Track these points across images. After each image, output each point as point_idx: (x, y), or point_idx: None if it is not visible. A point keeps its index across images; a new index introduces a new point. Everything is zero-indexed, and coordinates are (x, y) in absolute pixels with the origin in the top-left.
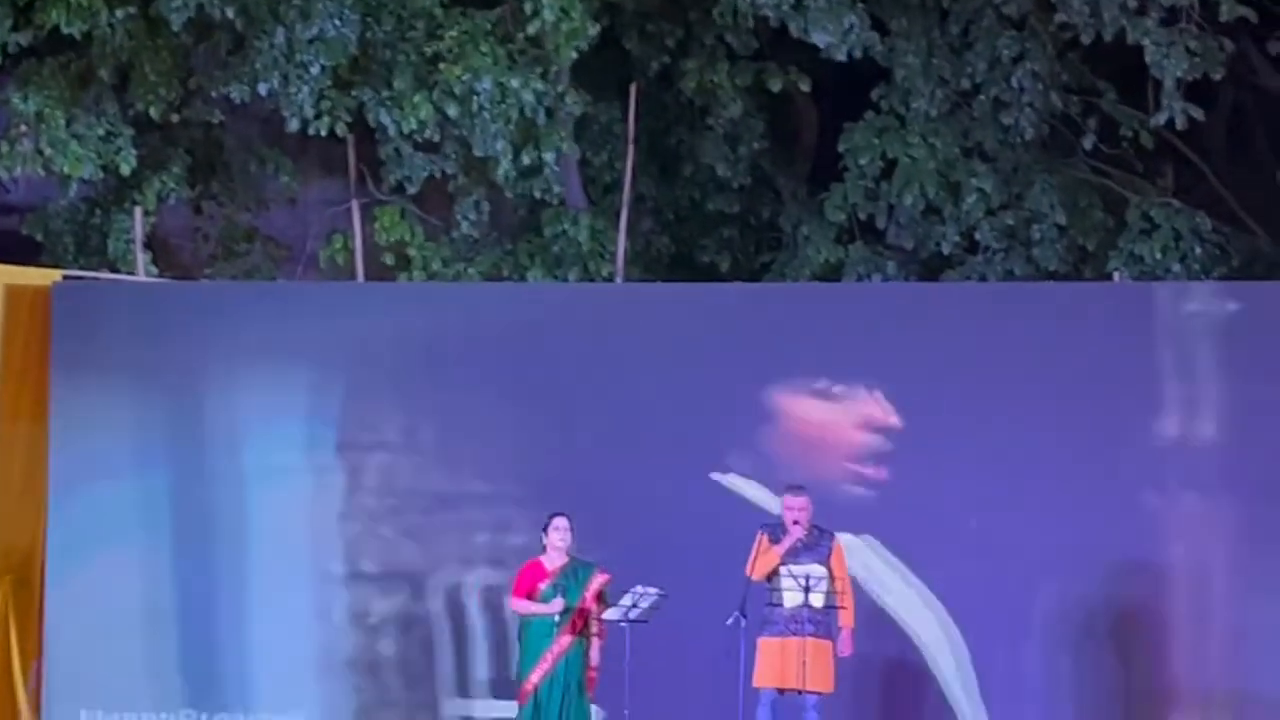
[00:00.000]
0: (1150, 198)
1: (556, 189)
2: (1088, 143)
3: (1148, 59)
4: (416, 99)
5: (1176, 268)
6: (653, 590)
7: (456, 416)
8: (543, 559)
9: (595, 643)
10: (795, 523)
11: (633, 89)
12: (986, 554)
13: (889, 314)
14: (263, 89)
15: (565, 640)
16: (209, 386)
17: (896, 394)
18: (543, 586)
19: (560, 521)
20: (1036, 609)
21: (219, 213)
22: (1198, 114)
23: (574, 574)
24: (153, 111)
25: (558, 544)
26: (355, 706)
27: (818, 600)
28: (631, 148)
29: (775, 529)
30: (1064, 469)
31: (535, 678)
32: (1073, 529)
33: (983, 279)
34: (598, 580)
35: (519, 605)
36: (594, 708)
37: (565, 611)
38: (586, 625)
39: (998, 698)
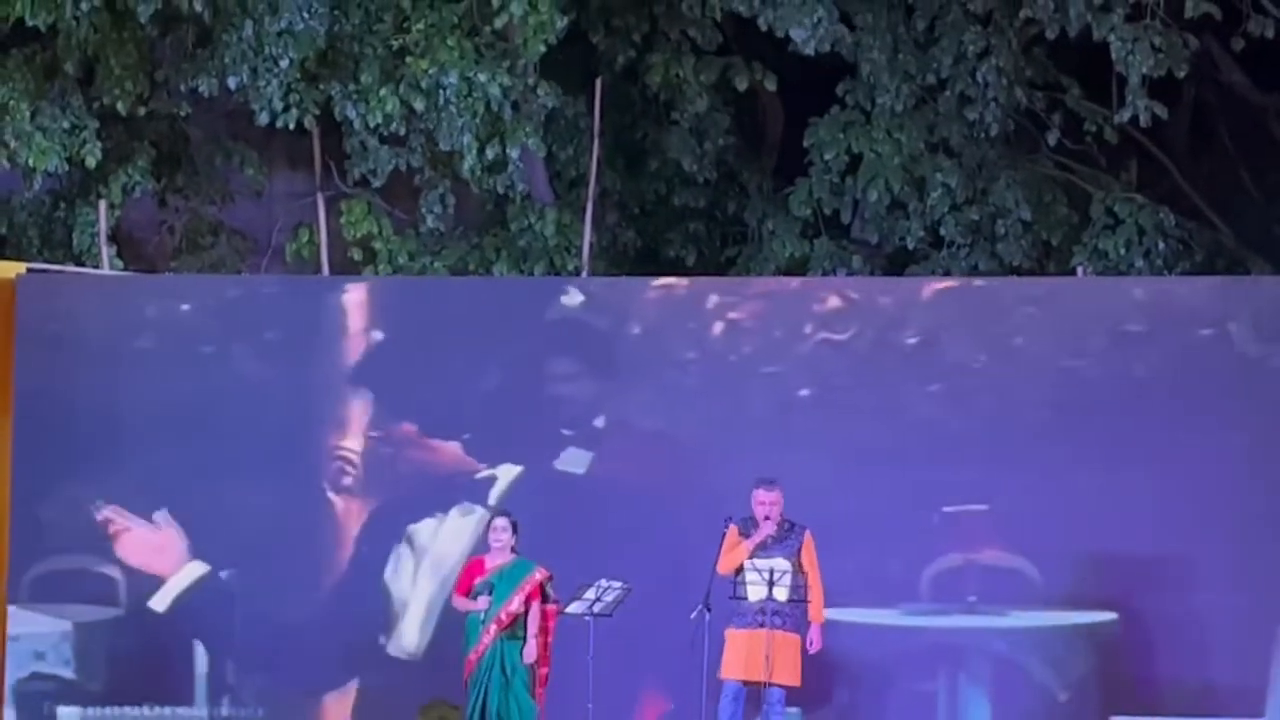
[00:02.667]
0: (1114, 193)
1: (520, 185)
2: (1052, 138)
3: (1113, 55)
4: (383, 92)
5: (1140, 263)
6: (617, 584)
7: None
8: (485, 557)
9: (532, 642)
10: (766, 518)
11: (598, 83)
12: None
13: None
14: (232, 82)
15: (489, 638)
16: (174, 379)
17: None
18: (477, 583)
19: (499, 521)
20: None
21: (184, 206)
22: (1161, 111)
23: (510, 573)
24: (120, 105)
25: (495, 543)
26: None
27: (781, 594)
28: (597, 142)
29: (746, 522)
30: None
31: (465, 674)
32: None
33: (947, 273)
34: (534, 579)
35: (455, 601)
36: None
37: (488, 611)
38: (514, 625)
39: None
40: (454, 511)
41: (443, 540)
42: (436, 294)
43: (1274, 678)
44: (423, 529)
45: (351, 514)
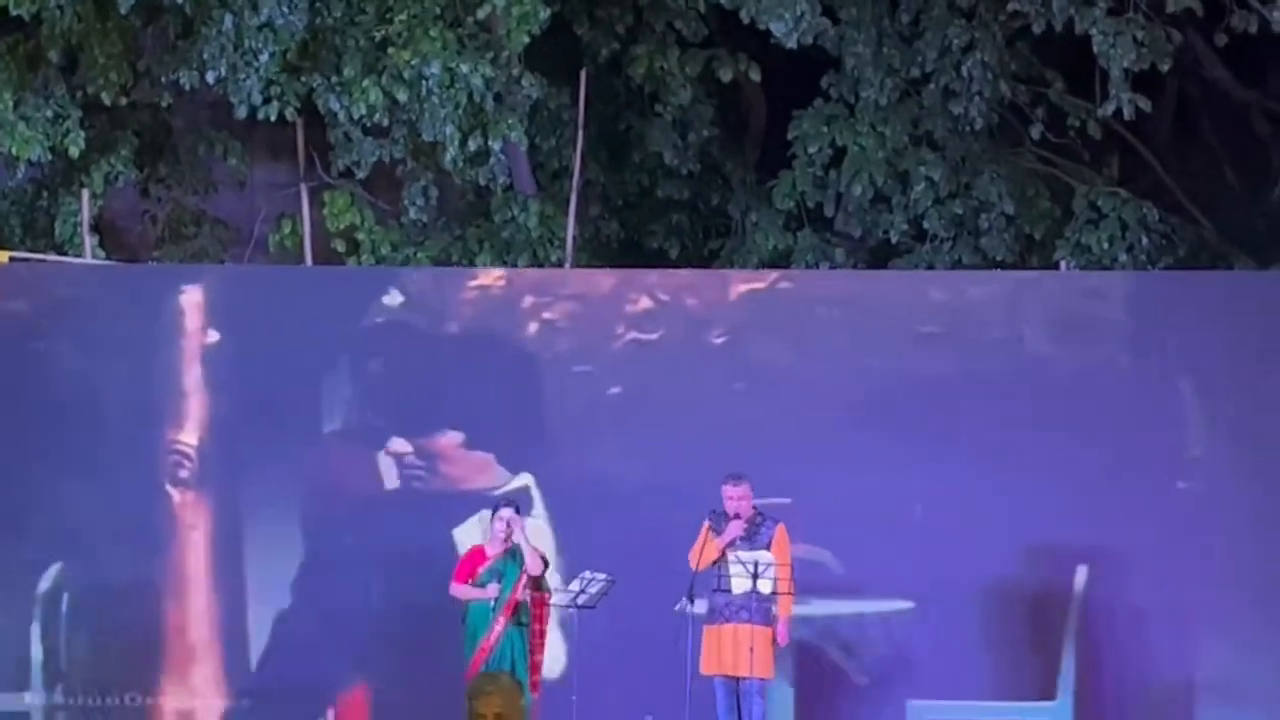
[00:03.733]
0: (1097, 187)
1: (502, 177)
2: (1035, 132)
3: (1095, 49)
4: (365, 83)
5: (1124, 257)
6: (601, 576)
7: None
8: (485, 545)
9: (536, 628)
10: (736, 515)
11: (582, 75)
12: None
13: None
14: (210, 77)
15: (500, 626)
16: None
17: None
18: (480, 571)
19: (505, 511)
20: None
21: (167, 196)
22: (1144, 105)
23: (510, 561)
24: (104, 95)
25: (499, 533)
26: None
27: (765, 586)
28: (581, 134)
29: (718, 517)
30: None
31: (476, 662)
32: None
33: (930, 267)
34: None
35: (456, 589)
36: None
37: (499, 598)
38: (520, 611)
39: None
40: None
41: None
42: (273, 285)
43: (1065, 662)
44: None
45: (187, 507)
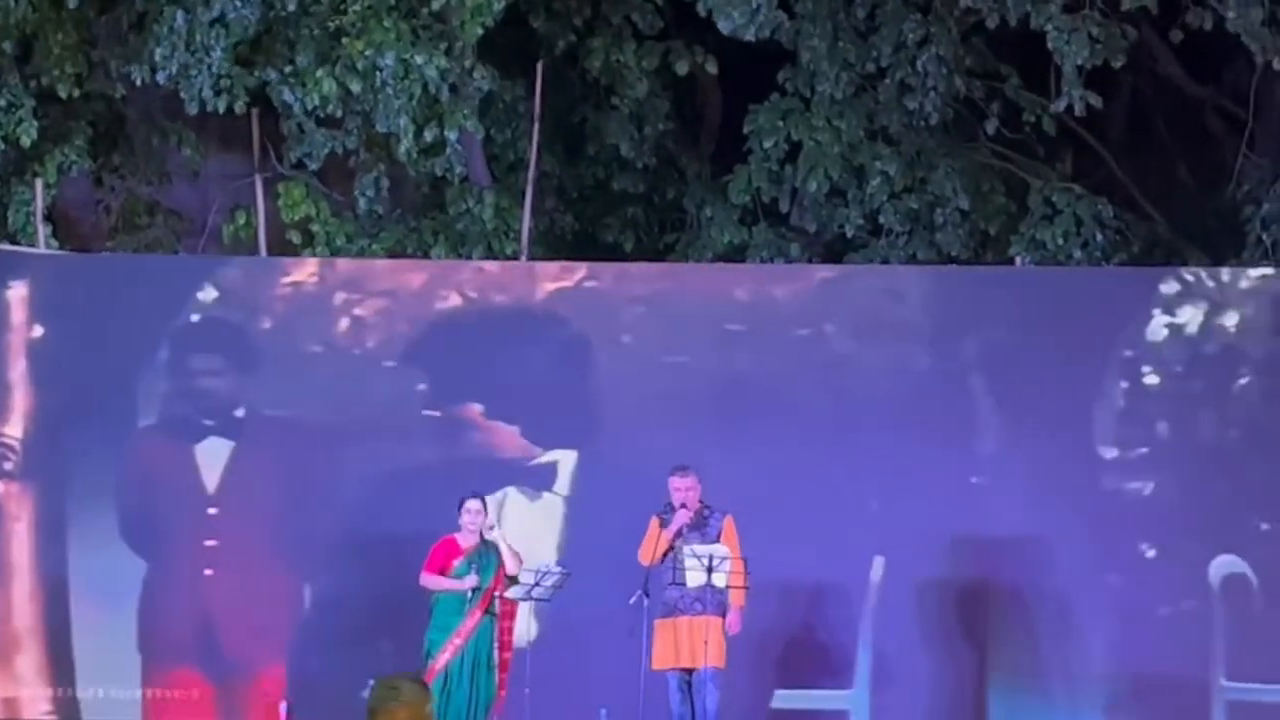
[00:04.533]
0: (1052, 183)
1: (458, 168)
2: (990, 127)
3: (1050, 45)
4: (319, 74)
5: (1078, 254)
6: (556, 569)
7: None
8: (457, 537)
9: (505, 623)
10: (682, 505)
11: (539, 67)
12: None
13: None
14: (161, 77)
15: (476, 618)
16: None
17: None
18: (456, 563)
19: (472, 503)
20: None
21: (121, 186)
22: (1096, 101)
23: (487, 553)
24: (59, 87)
25: (469, 525)
26: None
27: (720, 580)
28: (537, 126)
29: (666, 510)
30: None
31: (446, 655)
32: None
33: (885, 262)
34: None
35: (430, 580)
36: None
37: (477, 589)
38: (492, 604)
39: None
40: None
41: None
42: (99, 275)
43: (860, 653)
44: None
45: (12, 499)
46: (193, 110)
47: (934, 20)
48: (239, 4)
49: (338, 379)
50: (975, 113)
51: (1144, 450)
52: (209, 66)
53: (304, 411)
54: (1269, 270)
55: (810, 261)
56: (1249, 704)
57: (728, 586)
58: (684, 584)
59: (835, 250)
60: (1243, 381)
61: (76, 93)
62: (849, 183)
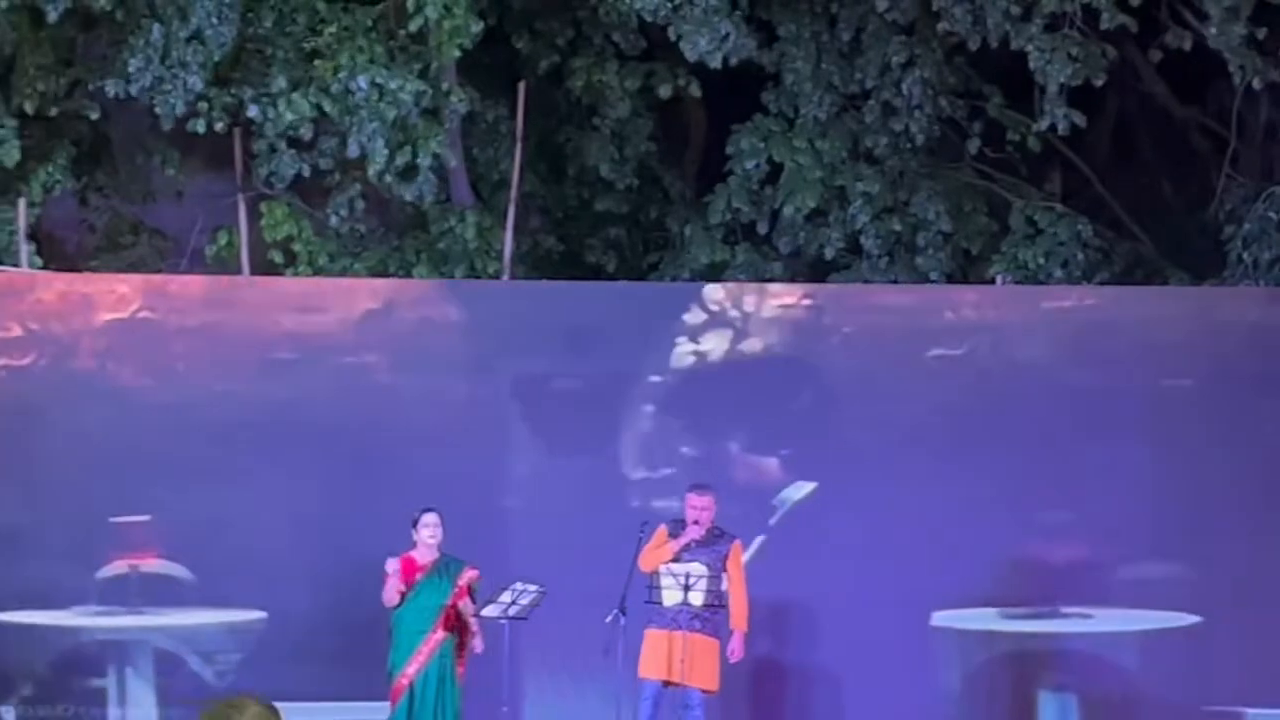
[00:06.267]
0: (1034, 202)
1: (428, 196)
2: (973, 147)
3: (1031, 64)
4: (294, 96)
5: (1059, 273)
6: (532, 587)
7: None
8: (414, 554)
9: (477, 640)
10: (695, 522)
11: (521, 87)
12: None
13: None
14: (134, 89)
15: (439, 635)
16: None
17: None
18: (417, 579)
19: (430, 517)
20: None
21: (105, 205)
22: (1080, 120)
23: (445, 569)
24: (27, 106)
25: (428, 539)
26: None
27: (697, 599)
28: (519, 146)
29: (676, 524)
30: None
31: (410, 671)
32: None
33: (866, 283)
34: (467, 575)
35: (391, 598)
36: None
37: (438, 607)
38: (456, 620)
39: None
40: None
41: None
42: None
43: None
44: None
45: None
46: (167, 126)
47: (918, 41)
48: (215, 21)
49: None
50: (958, 132)
51: None
52: (184, 82)
53: None
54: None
55: (793, 280)
56: None
57: (711, 606)
58: (660, 602)
59: (819, 271)
60: None
61: (54, 111)
62: (830, 204)
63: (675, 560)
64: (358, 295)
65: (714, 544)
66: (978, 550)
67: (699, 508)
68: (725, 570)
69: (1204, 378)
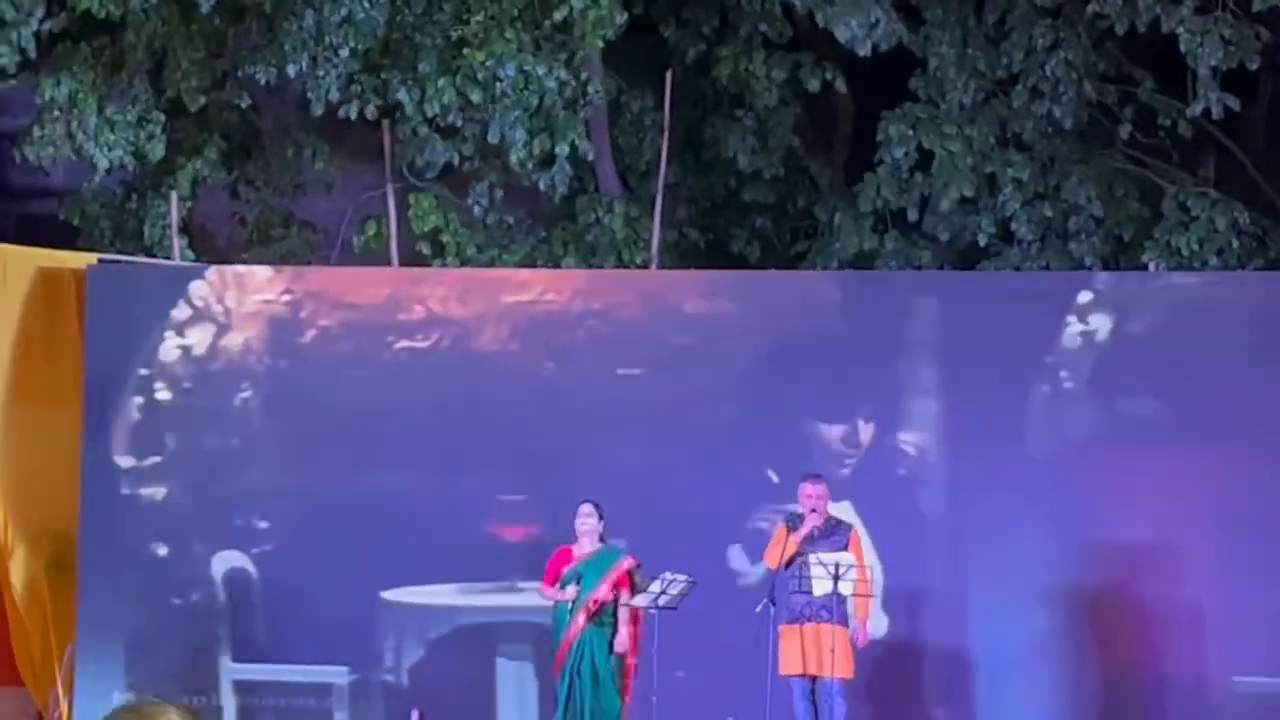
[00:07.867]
0: (1187, 188)
1: (561, 187)
2: (1124, 132)
3: (1182, 47)
4: (440, 83)
5: (1214, 260)
6: (682, 577)
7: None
8: (573, 546)
9: (623, 630)
10: (813, 510)
11: (668, 76)
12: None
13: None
14: (291, 70)
15: (578, 626)
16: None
17: None
18: (565, 572)
19: (584, 508)
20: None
21: (255, 197)
22: (1234, 104)
23: (597, 561)
24: (185, 98)
25: (582, 531)
26: None
27: (846, 589)
28: (666, 136)
29: (794, 518)
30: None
31: (559, 660)
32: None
33: (1017, 270)
34: (622, 567)
35: (543, 591)
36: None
37: (577, 599)
38: (601, 612)
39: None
40: None
41: None
42: None
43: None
44: None
45: None
46: (318, 111)
47: (1064, 25)
48: (367, 5)
49: None
50: (1109, 117)
51: None
52: (336, 66)
53: None
54: None
55: (941, 268)
56: None
57: (853, 595)
58: (810, 592)
59: (969, 258)
60: None
61: (203, 100)
62: (981, 190)
63: (800, 552)
64: None
65: (833, 533)
66: None
67: (814, 496)
68: None
69: None
